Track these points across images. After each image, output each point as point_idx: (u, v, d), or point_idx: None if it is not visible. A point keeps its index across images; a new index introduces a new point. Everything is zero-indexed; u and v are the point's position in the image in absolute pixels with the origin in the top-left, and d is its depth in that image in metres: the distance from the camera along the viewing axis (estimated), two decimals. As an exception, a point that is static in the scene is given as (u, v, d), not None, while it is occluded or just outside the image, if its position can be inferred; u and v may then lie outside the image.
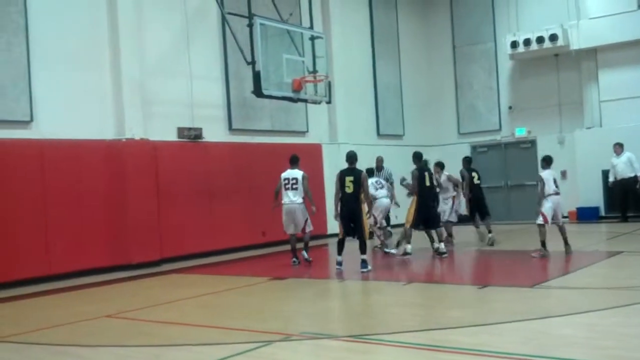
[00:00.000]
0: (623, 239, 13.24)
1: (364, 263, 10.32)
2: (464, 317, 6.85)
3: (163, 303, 8.65)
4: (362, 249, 10.43)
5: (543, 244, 10.81)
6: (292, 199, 11.55)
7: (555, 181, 10.94)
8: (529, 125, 19.31)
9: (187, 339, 6.41)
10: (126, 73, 12.57)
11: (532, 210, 18.30)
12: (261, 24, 12.69)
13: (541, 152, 19.00)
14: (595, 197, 17.68)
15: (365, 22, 19.13)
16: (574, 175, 18.18)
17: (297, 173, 11.66)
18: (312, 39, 14.30)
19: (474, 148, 20.29)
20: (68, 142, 11.63)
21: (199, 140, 13.96)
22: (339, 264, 10.70)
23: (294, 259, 11.77)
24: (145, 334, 6.86)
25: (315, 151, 16.81)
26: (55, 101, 11.64)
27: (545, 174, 10.95)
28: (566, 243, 10.94)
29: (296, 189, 11.53)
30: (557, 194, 10.84)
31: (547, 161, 11.29)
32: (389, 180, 14.45)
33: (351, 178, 10.65)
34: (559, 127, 18.84)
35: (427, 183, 11.88)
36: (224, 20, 13.90)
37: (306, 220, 11.72)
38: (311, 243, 14.81)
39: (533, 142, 19.35)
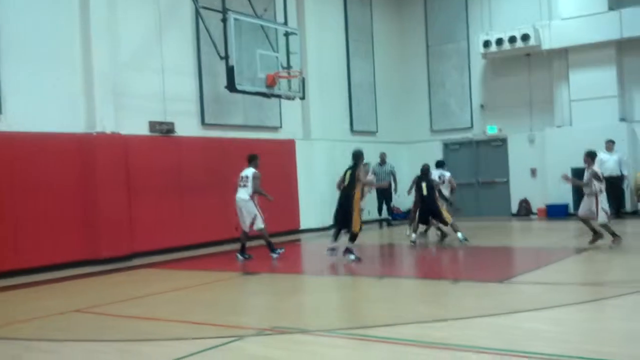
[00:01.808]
0: (590, 236, 13.45)
1: (348, 251, 10.83)
2: (435, 311, 6.92)
3: (133, 298, 8.59)
4: (350, 239, 10.94)
5: (613, 233, 10.95)
6: (239, 196, 11.68)
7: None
8: (500, 124, 19.52)
9: (157, 334, 6.37)
10: (98, 66, 12.41)
11: (501, 206, 18.58)
12: (235, 19, 12.63)
13: (512, 150, 19.34)
14: (564, 195, 17.94)
15: (340, 19, 19.15)
16: (543, 173, 18.46)
17: (249, 171, 11.74)
18: (287, 34, 14.27)
19: (446, 145, 20.46)
20: (38, 135, 11.46)
21: (171, 134, 13.86)
22: (332, 249, 11.25)
23: (237, 254, 11.86)
24: (114, 328, 6.80)
25: (288, 147, 16.81)
26: (25, 94, 11.45)
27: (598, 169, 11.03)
28: (595, 232, 11.16)
29: (245, 186, 11.64)
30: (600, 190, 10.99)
31: (593, 156, 11.33)
32: (392, 173, 17.55)
33: (349, 172, 11.28)
34: (529, 125, 19.08)
35: (425, 192, 12.83)
36: (197, 15, 13.80)
37: (254, 218, 11.66)
38: (283, 238, 14.84)
39: (504, 140, 19.58)
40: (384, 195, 17.88)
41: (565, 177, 12.42)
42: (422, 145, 20.23)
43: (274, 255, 11.77)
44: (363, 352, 5.49)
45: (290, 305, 7.90)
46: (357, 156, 11.36)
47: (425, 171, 13.17)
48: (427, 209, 12.82)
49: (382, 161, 17.88)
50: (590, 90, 17.74)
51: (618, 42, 17.58)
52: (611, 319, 6.21)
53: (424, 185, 12.85)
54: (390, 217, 18.26)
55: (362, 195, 11.79)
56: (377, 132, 20.14)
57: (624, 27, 17.09)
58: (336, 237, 11.34)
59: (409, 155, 20.36)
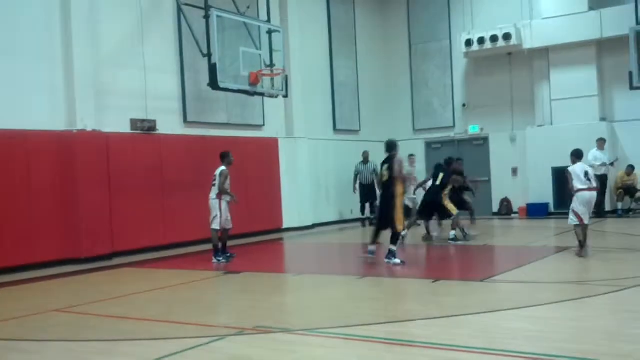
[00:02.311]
0: (571, 235, 13.57)
1: (390, 254, 10.01)
2: (417, 310, 6.93)
3: (114, 297, 8.52)
4: (392, 240, 10.07)
5: (580, 243, 10.23)
6: (210, 194, 11.51)
7: (587, 174, 10.29)
8: (482, 123, 19.65)
9: (137, 334, 6.32)
10: (78, 64, 12.29)
11: (482, 205, 18.71)
12: (218, 16, 12.58)
13: (493, 149, 19.46)
14: (545, 194, 18.10)
15: (323, 17, 19.14)
16: (524, 172, 18.62)
17: (218, 170, 11.51)
18: (270, 32, 14.24)
19: (428, 144, 20.53)
20: (17, 132, 11.32)
21: (153, 132, 13.76)
22: (370, 252, 10.37)
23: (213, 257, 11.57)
24: (95, 328, 6.73)
25: (271, 145, 16.77)
26: (4, 91, 11.30)
27: (575, 168, 10.37)
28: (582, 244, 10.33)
29: (214, 185, 11.45)
30: (590, 189, 10.20)
31: (577, 155, 10.63)
32: (376, 171, 16.20)
33: (385, 165, 10.28)
34: (511, 124, 19.21)
35: (438, 182, 12.76)
36: (179, 11, 13.73)
37: (213, 217, 11.39)
38: (266, 237, 14.79)
39: (485, 139, 19.69)
40: (369, 193, 17.82)
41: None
42: (405, 144, 20.20)
43: (214, 260, 11.41)
44: (345, 350, 5.49)
45: (272, 304, 7.87)
46: (392, 146, 10.31)
47: (448, 163, 13.13)
48: (430, 200, 12.78)
49: (366, 160, 17.82)
50: (571, 89, 17.91)
51: (598, 42, 17.76)
52: (592, 318, 6.26)
53: (440, 175, 12.79)
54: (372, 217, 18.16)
55: (405, 191, 10.76)
56: (359, 130, 20.15)
57: (604, 27, 17.26)
58: (375, 238, 10.45)
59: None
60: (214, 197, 11.40)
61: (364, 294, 8.27)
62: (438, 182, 12.76)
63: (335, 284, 9.22)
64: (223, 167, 11.48)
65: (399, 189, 10.02)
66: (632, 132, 17.50)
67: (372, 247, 10.39)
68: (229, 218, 11.51)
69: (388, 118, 21.04)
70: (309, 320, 6.78)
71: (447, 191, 12.77)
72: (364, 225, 17.76)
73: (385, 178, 10.16)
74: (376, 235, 10.44)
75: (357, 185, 17.89)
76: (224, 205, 11.37)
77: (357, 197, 17.94)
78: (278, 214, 16.85)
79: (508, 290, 8.06)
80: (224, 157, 11.63)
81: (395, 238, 10.05)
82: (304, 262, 10.86)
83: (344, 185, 18.68)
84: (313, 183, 18.03)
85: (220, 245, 11.54)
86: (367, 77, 20.59)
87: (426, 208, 13.01)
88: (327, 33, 19.22)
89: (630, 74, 15.53)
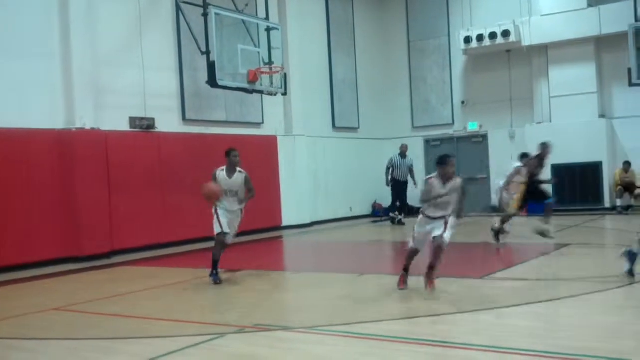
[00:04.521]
0: (570, 232, 13.60)
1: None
2: (416, 308, 6.93)
3: (113, 296, 8.51)
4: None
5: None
6: None
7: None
8: (481, 120, 19.65)
9: (138, 332, 6.31)
10: (77, 62, 12.27)
11: (482, 202, 18.76)
12: (216, 14, 12.57)
13: (492, 146, 19.46)
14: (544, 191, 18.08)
15: (322, 14, 19.12)
16: (524, 169, 18.58)
17: None
18: (268, 30, 14.22)
19: (427, 142, 20.53)
20: (16, 131, 11.31)
21: (152, 130, 13.75)
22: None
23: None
24: (95, 327, 6.73)
25: (270, 143, 16.76)
26: (3, 90, 11.29)
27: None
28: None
29: None
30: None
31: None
32: (411, 167, 17.05)
33: None
34: (510, 122, 19.22)
35: None
36: (178, 9, 13.71)
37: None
38: (265, 235, 14.76)
39: (484, 137, 19.69)
40: (402, 191, 17.01)
41: None
42: (404, 141, 20.26)
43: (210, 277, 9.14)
44: (345, 348, 5.48)
45: (272, 302, 7.88)
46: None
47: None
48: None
49: (403, 154, 17.12)
50: (570, 86, 17.91)
51: (597, 39, 17.75)
52: (592, 314, 6.26)
53: None
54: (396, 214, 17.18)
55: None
56: (359, 128, 20.15)
57: (603, 24, 17.26)
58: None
59: (391, 151, 20.40)
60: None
61: (362, 292, 8.26)
62: None
63: (335, 281, 9.21)
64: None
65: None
66: (630, 128, 17.50)
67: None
68: (227, 228, 9.16)
69: (387, 115, 21.06)
70: (309, 318, 6.77)
71: None
72: (394, 223, 17.03)
73: None
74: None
75: (390, 180, 17.09)
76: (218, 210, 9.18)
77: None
78: (277, 212, 16.86)
79: (507, 287, 8.05)
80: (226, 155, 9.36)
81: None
82: (304, 260, 10.85)
83: (344, 183, 18.69)
84: (312, 181, 18.02)
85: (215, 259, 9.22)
86: (366, 74, 20.58)
87: None
88: (325, 30, 19.21)
89: (629, 70, 15.51)
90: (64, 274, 10.77)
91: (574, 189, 17.30)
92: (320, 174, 18.39)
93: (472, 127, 19.79)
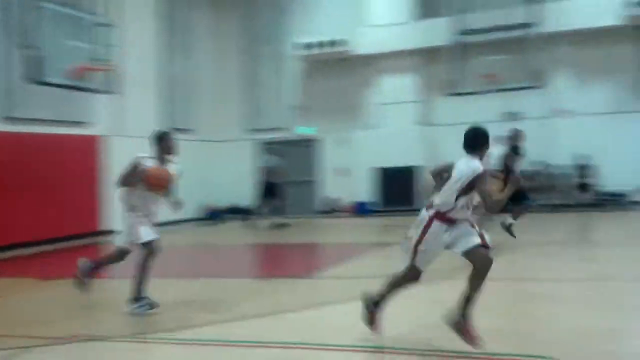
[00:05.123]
0: (394, 231, 14.36)
1: None
2: (244, 310, 7.00)
3: None
4: None
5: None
6: None
7: None
8: (314, 125, 20.14)
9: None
10: None
11: (311, 205, 19.15)
12: (42, 7, 11.87)
13: (323, 151, 20.09)
14: (372, 193, 19.06)
15: (157, 13, 18.66)
16: (353, 173, 19.37)
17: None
18: (100, 26, 13.65)
19: (260, 145, 20.71)
20: None
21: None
22: None
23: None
24: None
25: (99, 143, 16.07)
26: None
27: None
28: None
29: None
30: None
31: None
32: None
33: None
34: (340, 127, 19.88)
35: None
36: (-3, -1, 12.79)
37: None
38: (87, 240, 14.11)
39: (316, 141, 20.25)
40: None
41: None
42: (238, 144, 20.40)
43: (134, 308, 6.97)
44: (176, 355, 5.43)
45: (90, 312, 7.54)
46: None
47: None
48: None
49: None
50: (396, 95, 18.92)
51: (421, 51, 18.91)
52: (403, 308, 6.66)
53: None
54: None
55: None
56: (193, 130, 19.86)
57: (427, 37, 18.40)
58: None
59: (227, 153, 20.44)
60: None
61: (192, 296, 8.18)
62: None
63: (165, 287, 9.02)
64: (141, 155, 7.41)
65: None
66: (451, 136, 18.66)
67: None
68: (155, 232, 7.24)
69: (222, 118, 20.90)
70: (133, 326, 6.60)
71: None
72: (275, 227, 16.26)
73: None
74: None
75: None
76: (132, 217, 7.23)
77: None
78: (97, 215, 16.12)
79: (333, 285, 8.36)
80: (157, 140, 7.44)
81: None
82: (129, 266, 10.46)
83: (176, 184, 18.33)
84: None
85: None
86: (202, 75, 20.36)
87: None
88: (161, 29, 18.77)
89: (449, 81, 16.82)
90: None
91: (394, 191, 18.41)
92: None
93: (305, 131, 20.23)
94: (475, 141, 5.23)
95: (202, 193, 19.20)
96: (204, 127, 20.17)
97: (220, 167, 19.77)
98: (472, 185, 5.04)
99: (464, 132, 5.28)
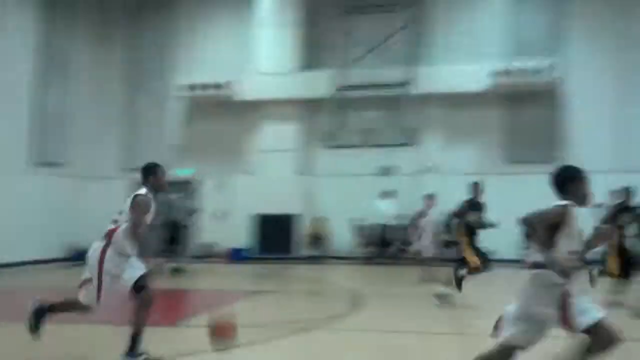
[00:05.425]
0: (269, 279, 14.31)
1: None
2: None
3: None
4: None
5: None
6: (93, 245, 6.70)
7: None
8: (194, 166, 19.86)
9: None
10: None
11: (186, 249, 18.63)
12: None
13: (202, 193, 19.78)
14: (249, 239, 18.95)
15: (33, 40, 17.86)
16: (231, 218, 19.18)
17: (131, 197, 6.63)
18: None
19: (137, 184, 20.05)
20: None
21: None
22: None
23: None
24: None
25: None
26: None
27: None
28: None
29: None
30: None
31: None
32: None
33: None
34: (221, 170, 19.73)
35: None
36: None
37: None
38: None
39: (196, 183, 19.94)
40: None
41: None
42: (112, 182, 19.62)
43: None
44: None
45: None
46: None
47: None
48: None
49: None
50: (277, 142, 19.10)
51: (303, 101, 19.30)
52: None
53: None
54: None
55: None
56: (64, 164, 18.86)
57: (308, 89, 18.85)
58: None
59: (97, 191, 19.41)
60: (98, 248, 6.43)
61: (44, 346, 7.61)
62: None
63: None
64: (141, 191, 6.63)
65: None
66: (328, 186, 19.05)
67: None
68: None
69: (98, 154, 20.08)
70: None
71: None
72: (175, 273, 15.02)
73: None
74: None
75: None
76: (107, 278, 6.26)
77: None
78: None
79: (199, 334, 8.11)
80: (147, 173, 6.74)
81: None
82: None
83: (35, 222, 17.12)
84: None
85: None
86: (78, 108, 19.52)
87: None
88: (38, 58, 17.92)
89: (329, 133, 17.25)
90: None
91: (271, 238, 18.44)
92: (9, 213, 16.46)
93: (185, 173, 19.85)
94: None
95: (69, 232, 18.16)
96: (77, 162, 19.24)
97: (90, 205, 18.87)
98: None
99: None
